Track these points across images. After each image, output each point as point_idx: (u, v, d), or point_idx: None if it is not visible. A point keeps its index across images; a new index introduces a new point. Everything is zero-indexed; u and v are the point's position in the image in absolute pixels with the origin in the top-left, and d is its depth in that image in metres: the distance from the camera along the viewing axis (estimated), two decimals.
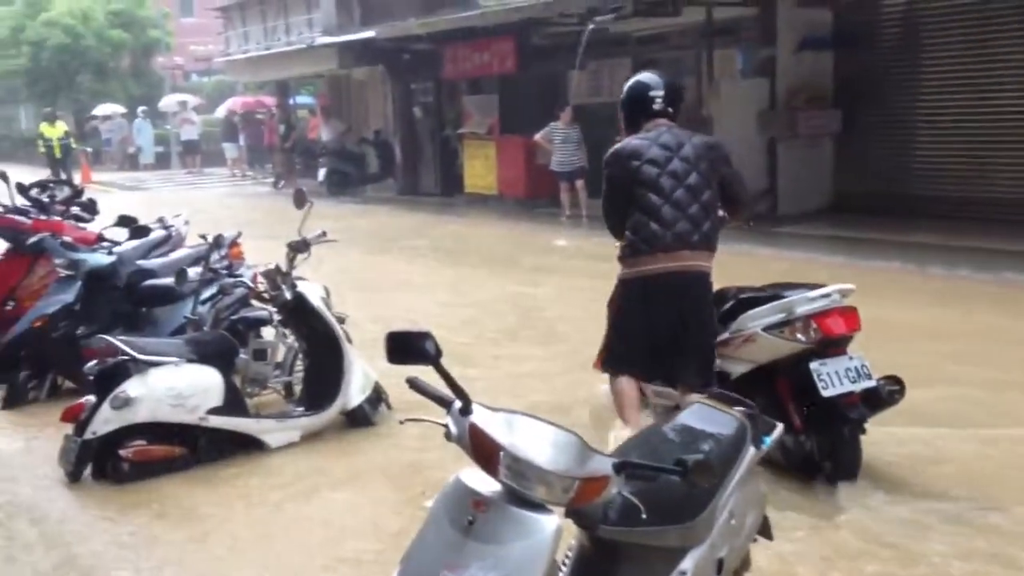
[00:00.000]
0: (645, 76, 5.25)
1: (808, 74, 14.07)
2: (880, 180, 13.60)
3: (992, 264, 10.33)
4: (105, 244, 8.22)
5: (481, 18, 16.77)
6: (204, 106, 35.25)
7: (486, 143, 18.84)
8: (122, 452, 5.37)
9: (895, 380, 5.01)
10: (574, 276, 10.90)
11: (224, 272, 6.84)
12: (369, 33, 19.94)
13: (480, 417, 2.58)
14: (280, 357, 6.63)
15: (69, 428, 5.46)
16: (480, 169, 19.06)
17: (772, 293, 5.25)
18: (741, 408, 3.38)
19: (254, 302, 6.62)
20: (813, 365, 4.86)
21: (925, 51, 13.35)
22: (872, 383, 4.91)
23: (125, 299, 7.22)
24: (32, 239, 7.91)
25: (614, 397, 5.33)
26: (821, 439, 4.98)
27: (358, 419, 6.16)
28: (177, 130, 32.42)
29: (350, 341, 6.17)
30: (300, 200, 6.35)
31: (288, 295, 6.00)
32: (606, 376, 5.48)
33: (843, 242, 12.24)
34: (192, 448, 5.57)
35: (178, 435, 5.54)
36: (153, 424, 5.45)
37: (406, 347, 2.65)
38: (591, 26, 13.50)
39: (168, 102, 33.87)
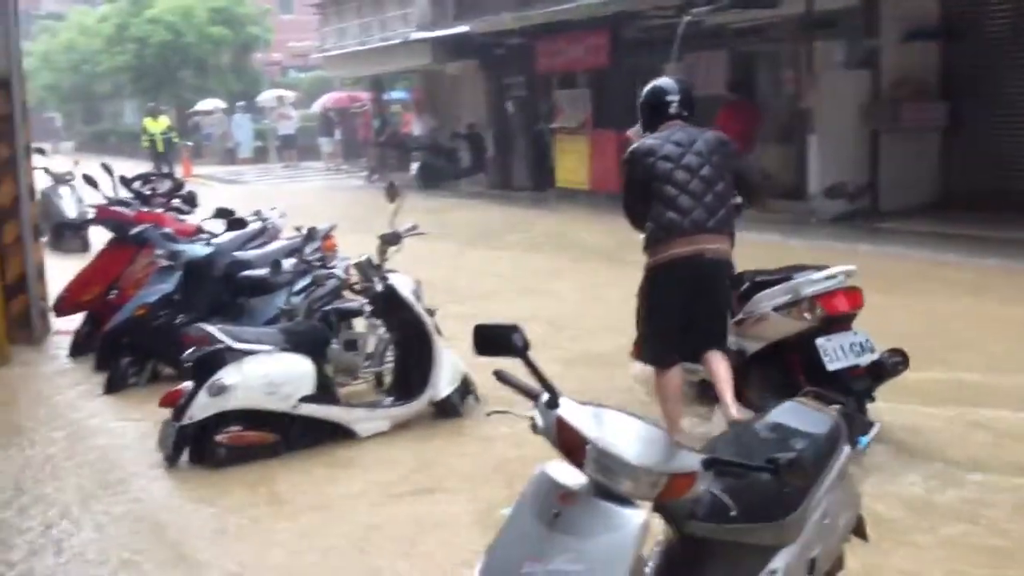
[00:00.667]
0: (662, 81, 5.61)
1: (913, 66, 13.63)
2: (993, 175, 13.00)
3: None
4: (204, 236, 8.45)
5: (575, 11, 16.68)
6: (301, 101, 35.90)
7: (578, 137, 18.72)
8: (218, 437, 5.49)
9: (899, 352, 5.36)
10: None
11: (318, 264, 6.96)
12: (463, 28, 20.03)
13: (567, 410, 2.56)
14: (371, 348, 6.70)
15: (168, 413, 5.61)
16: (572, 163, 18.97)
17: (783, 276, 5.67)
18: (836, 407, 3.30)
19: (346, 293, 6.73)
20: (819, 341, 5.29)
21: None
22: (876, 356, 5.30)
23: (222, 289, 7.38)
24: (135, 230, 8.19)
25: (657, 391, 5.52)
26: None
27: (446, 410, 6.19)
28: (275, 125, 33.05)
29: (440, 333, 6.20)
30: (392, 193, 6.43)
31: (379, 287, 6.06)
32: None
33: (951, 239, 11.74)
34: (284, 435, 5.66)
35: (271, 422, 5.64)
36: (247, 411, 5.56)
37: (493, 339, 2.65)
38: (687, 18, 13.32)
39: (266, 97, 34.58)
